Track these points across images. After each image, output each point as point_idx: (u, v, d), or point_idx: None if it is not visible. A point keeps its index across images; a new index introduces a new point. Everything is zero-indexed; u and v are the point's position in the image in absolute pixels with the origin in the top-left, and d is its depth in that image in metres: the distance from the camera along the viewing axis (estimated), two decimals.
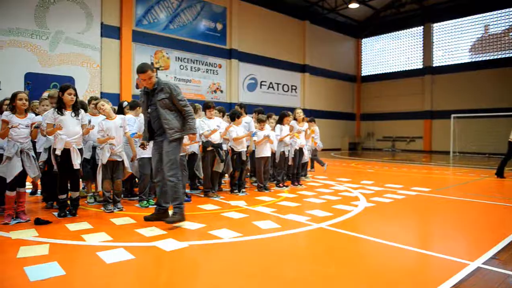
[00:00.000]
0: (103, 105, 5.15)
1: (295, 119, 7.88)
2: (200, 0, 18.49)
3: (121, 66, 15.67)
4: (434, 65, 24.75)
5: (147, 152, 5.38)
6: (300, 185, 7.53)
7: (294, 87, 23.69)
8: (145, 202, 5.37)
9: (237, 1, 19.96)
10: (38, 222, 4.28)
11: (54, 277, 2.76)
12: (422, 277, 2.94)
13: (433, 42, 24.81)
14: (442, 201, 6.38)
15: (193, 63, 18.27)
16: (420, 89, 25.13)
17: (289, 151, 7.35)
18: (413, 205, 6.01)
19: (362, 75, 29.07)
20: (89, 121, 4.74)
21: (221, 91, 19.45)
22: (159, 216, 4.40)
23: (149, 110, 4.44)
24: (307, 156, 8.31)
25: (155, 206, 4.61)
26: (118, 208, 5.06)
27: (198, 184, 6.87)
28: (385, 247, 3.63)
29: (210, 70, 18.96)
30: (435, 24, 24.71)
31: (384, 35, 27.53)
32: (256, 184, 7.11)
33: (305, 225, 4.40)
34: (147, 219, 4.40)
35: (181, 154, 5.70)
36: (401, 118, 26.04)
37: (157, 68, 16.88)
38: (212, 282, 2.75)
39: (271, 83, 22.23)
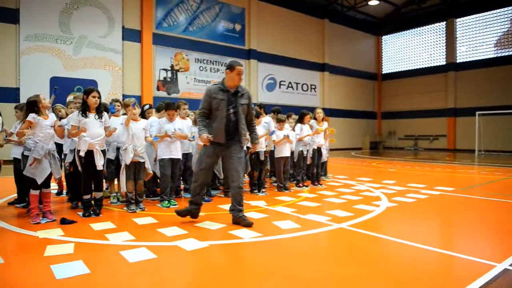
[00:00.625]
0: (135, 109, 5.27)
1: (314, 118, 7.83)
2: (219, 2, 18.61)
3: (142, 69, 15.94)
4: (457, 61, 24.11)
5: (168, 153, 5.47)
6: (320, 184, 7.48)
7: (313, 86, 23.54)
8: (167, 202, 5.45)
9: (256, 1, 19.99)
10: (64, 221, 4.41)
11: (79, 275, 2.83)
12: (446, 278, 2.87)
13: (456, 38, 24.18)
14: (467, 201, 6.21)
15: (212, 64, 18.41)
16: (443, 86, 24.53)
17: (307, 150, 7.31)
18: (437, 205, 5.88)
19: (383, 73, 28.60)
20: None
21: None
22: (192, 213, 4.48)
23: (230, 111, 4.32)
24: (326, 156, 8.25)
25: (192, 205, 4.50)
26: (140, 208, 5.16)
27: (218, 184, 6.91)
28: (407, 248, 3.56)
29: None
30: (458, 19, 24.07)
31: (405, 31, 27.01)
32: (275, 184, 7.11)
33: (325, 225, 4.37)
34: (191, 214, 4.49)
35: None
36: (423, 116, 25.49)
37: (177, 70, 17.09)
38: (233, 281, 2.76)
39: (290, 82, 22.16)
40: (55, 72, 13.70)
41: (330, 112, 22.73)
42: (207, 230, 4.16)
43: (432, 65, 25.52)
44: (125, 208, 5.21)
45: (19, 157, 4.87)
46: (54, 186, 6.13)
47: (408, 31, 26.88)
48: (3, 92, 12.23)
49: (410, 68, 26.87)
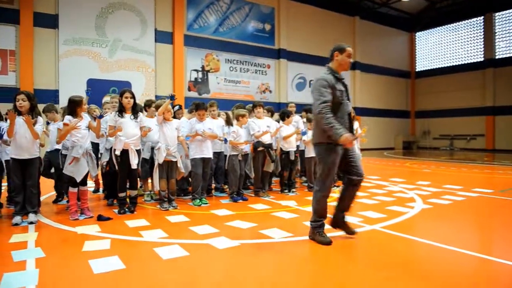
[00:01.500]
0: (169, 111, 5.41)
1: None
2: (249, 2, 18.69)
3: (174, 70, 16.26)
4: (496, 57, 23.03)
5: (199, 153, 5.56)
6: None
7: None
8: (198, 200, 5.54)
9: (285, 0, 19.92)
10: (100, 218, 4.57)
11: (115, 270, 2.93)
12: (484, 283, 2.76)
13: (495, 33, 23.10)
14: (506, 203, 5.93)
15: (242, 64, 18.51)
16: (481, 83, 23.51)
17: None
18: (474, 207, 5.65)
19: (417, 70, 27.75)
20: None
21: (270, 91, 19.52)
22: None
23: (348, 102, 3.80)
24: (359, 156, 8.11)
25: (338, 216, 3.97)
26: (173, 206, 5.27)
27: (249, 184, 6.95)
28: (444, 252, 3.45)
29: (259, 70, 19.10)
30: (497, 13, 22.99)
31: (440, 27, 26.09)
32: (306, 184, 7.06)
33: (357, 226, 4.29)
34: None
35: (233, 153, 5.84)
36: (460, 115, 24.53)
37: (208, 71, 17.31)
38: (264, 280, 2.77)
39: None
40: (91, 74, 14.22)
41: (361, 111, 22.30)
42: (238, 229, 4.20)
43: (469, 61, 24.52)
44: (158, 206, 5.34)
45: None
46: (91, 184, 6.38)
47: (443, 26, 25.95)
48: (44, 93, 12.81)
49: (445, 65, 25.93)
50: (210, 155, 5.71)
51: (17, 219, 4.38)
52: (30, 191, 4.48)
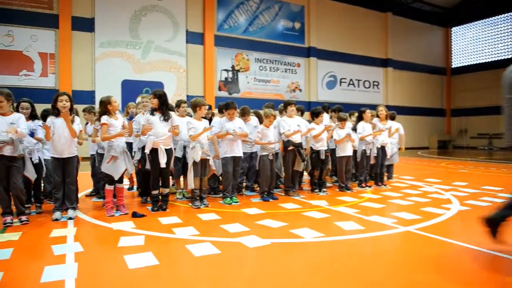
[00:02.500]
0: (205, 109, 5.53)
1: (377, 116, 7.53)
2: (278, 1, 18.65)
3: (205, 70, 16.48)
4: None
5: (230, 152, 5.59)
6: (384, 185, 7.19)
7: (376, 83, 22.70)
8: (229, 199, 5.58)
9: None
10: (135, 215, 4.70)
11: (149, 266, 3.01)
12: None
13: None
14: None
15: (272, 63, 18.50)
16: None
17: (370, 149, 7.06)
18: None
19: (452, 67, 26.74)
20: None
21: (300, 90, 19.40)
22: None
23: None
24: (395, 157, 7.93)
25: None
26: (204, 204, 5.34)
27: (279, 183, 6.94)
28: (482, 255, 3.30)
29: (289, 69, 19.02)
30: None
31: (478, 21, 24.99)
32: (337, 184, 6.96)
33: (390, 228, 4.20)
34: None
35: (264, 153, 5.85)
36: (499, 113, 23.24)
37: (238, 70, 17.42)
38: (294, 280, 2.76)
39: (351, 79, 21.58)
40: (125, 75, 14.65)
41: (394, 110, 21.62)
42: (269, 228, 4.20)
43: (509, 57, 23.34)
44: (190, 204, 5.42)
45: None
46: (126, 182, 6.57)
47: (481, 21, 24.85)
48: (81, 94, 13.33)
49: (483, 61, 24.82)
50: (241, 154, 5.74)
51: (57, 214, 4.58)
52: (69, 188, 4.67)
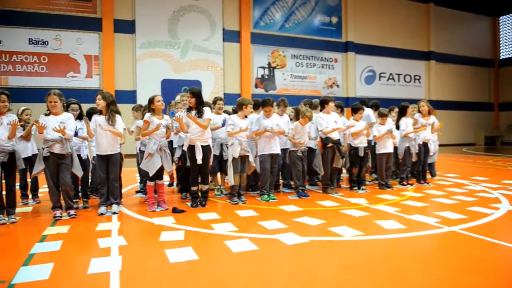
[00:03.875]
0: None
1: (419, 112, 7.24)
2: None
3: (241, 68, 16.58)
4: None
5: (268, 149, 5.60)
6: (427, 183, 6.92)
7: (417, 77, 21.85)
8: (266, 196, 5.59)
9: None
10: (175, 210, 4.83)
11: (189, 260, 3.08)
12: None
13: None
14: None
15: (309, 59, 18.30)
16: None
17: (413, 146, 6.82)
18: None
19: (501, 58, 25.18)
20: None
21: (337, 86, 19.06)
22: None
23: None
24: (436, 154, 7.61)
25: None
26: (242, 201, 5.39)
27: (316, 180, 6.87)
28: None
29: (326, 65, 18.74)
30: None
31: None
32: (377, 182, 6.78)
33: (434, 228, 4.04)
34: None
35: (293, 149, 5.82)
36: None
37: (274, 67, 17.39)
38: (332, 279, 2.72)
39: (391, 74, 20.91)
40: (165, 75, 15.05)
41: (437, 104, 20.81)
42: (307, 226, 4.17)
43: None
44: (228, 200, 5.49)
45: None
46: (166, 178, 6.76)
47: None
48: (124, 94, 13.83)
49: None
50: (278, 151, 5.74)
51: (102, 209, 4.79)
52: (112, 184, 4.87)
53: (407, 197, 5.80)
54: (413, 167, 7.03)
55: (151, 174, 4.94)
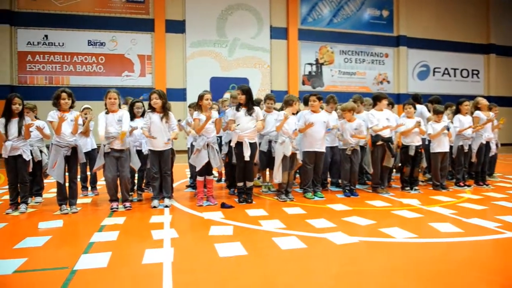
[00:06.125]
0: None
1: (477, 108, 6.77)
2: None
3: (289, 65, 16.50)
4: None
5: (311, 146, 5.52)
6: (486, 185, 6.50)
7: (475, 72, 20.52)
8: (310, 193, 5.53)
9: None
10: (224, 206, 4.92)
11: (238, 255, 3.13)
12: None
13: None
14: None
15: (358, 55, 17.81)
16: None
17: (469, 145, 6.41)
18: None
19: None
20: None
21: (388, 82, 18.39)
22: None
23: None
24: (494, 151, 7.12)
25: None
26: (289, 198, 5.38)
27: (366, 179, 6.69)
28: None
29: (376, 60, 18.14)
30: None
31: None
32: (431, 182, 6.47)
33: (494, 232, 3.79)
34: None
35: (343, 147, 5.70)
36: None
37: (322, 64, 17.13)
38: (382, 281, 2.64)
39: (446, 69, 19.80)
40: (213, 73, 15.36)
41: (497, 101, 19.27)
42: (356, 226, 4.08)
43: None
44: (275, 197, 5.50)
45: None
46: (215, 174, 6.90)
47: None
48: (175, 92, 14.29)
49: None
50: (323, 150, 5.62)
51: (155, 202, 5.00)
52: (165, 178, 5.07)
53: (464, 199, 5.49)
54: (471, 167, 6.62)
55: (197, 169, 5.07)
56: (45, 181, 5.62)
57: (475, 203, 5.18)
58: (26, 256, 3.12)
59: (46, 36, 13.73)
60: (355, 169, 5.76)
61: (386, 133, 5.76)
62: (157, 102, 4.97)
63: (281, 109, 5.86)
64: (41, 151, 5.33)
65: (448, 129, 6.07)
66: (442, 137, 6.08)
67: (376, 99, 5.98)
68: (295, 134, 5.38)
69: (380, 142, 5.73)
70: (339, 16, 17.49)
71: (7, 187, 4.92)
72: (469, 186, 6.43)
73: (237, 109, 5.18)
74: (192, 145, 5.66)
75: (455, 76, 20.16)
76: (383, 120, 5.76)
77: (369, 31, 17.99)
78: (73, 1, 13.95)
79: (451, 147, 6.37)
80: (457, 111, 6.52)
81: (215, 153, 5.13)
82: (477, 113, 6.65)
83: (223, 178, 6.95)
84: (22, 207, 4.74)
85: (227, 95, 6.54)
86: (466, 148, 6.38)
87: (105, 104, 4.85)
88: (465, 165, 6.52)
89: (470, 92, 18.74)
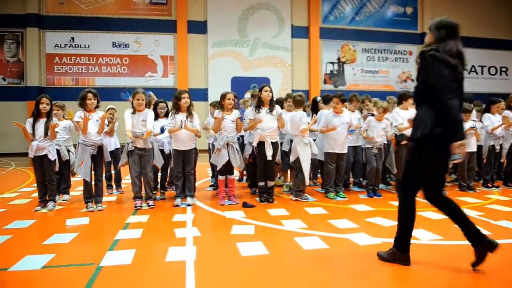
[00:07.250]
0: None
1: (508, 107, 6.55)
2: None
3: (310, 64, 16.41)
4: None
5: (333, 147, 5.46)
6: None
7: (504, 69, 19.84)
8: (332, 193, 5.48)
9: None
10: (245, 205, 4.94)
11: (260, 255, 3.13)
12: None
13: None
14: None
15: (380, 53, 17.52)
16: None
17: (500, 145, 6.20)
18: None
19: None
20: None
21: (412, 80, 17.99)
22: None
23: None
24: None
25: None
26: (311, 198, 5.34)
27: (389, 179, 6.57)
28: None
29: (399, 58, 17.80)
30: None
31: None
32: (457, 183, 6.30)
33: None
34: None
35: (368, 146, 5.62)
36: None
37: (343, 62, 16.94)
38: (407, 284, 2.59)
39: (473, 66, 19.23)
40: (234, 72, 15.44)
41: None
42: (379, 227, 4.01)
43: None
44: (292, 197, 5.47)
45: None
46: (236, 173, 6.93)
47: None
48: (197, 92, 14.40)
49: None
50: (345, 151, 5.56)
51: (178, 201, 5.07)
52: (188, 177, 5.13)
53: (492, 201, 5.31)
54: (500, 168, 6.41)
55: (218, 168, 5.10)
56: (72, 179, 5.78)
57: (503, 205, 5.01)
58: (54, 252, 3.22)
59: (72, 38, 14.14)
60: (379, 168, 5.68)
61: (410, 132, 5.64)
62: (188, 101, 5.03)
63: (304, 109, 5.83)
64: (68, 151, 5.48)
65: (476, 128, 5.90)
66: (469, 137, 5.91)
67: (402, 97, 5.86)
68: (304, 131, 5.29)
69: (404, 142, 5.61)
70: (361, 13, 17.26)
71: (35, 185, 5.09)
72: (497, 187, 6.23)
73: (257, 109, 5.18)
74: (213, 145, 5.70)
75: (482, 73, 19.57)
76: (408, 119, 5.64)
77: (392, 28, 17.69)
78: (98, 4, 14.30)
79: (478, 147, 6.18)
80: (487, 110, 6.33)
81: (235, 152, 5.14)
82: (507, 112, 6.42)
83: (245, 178, 6.97)
84: (50, 204, 4.89)
85: (247, 95, 6.54)
86: (497, 147, 6.18)
87: (132, 103, 4.94)
88: (495, 166, 6.32)
89: (499, 90, 18.11)
